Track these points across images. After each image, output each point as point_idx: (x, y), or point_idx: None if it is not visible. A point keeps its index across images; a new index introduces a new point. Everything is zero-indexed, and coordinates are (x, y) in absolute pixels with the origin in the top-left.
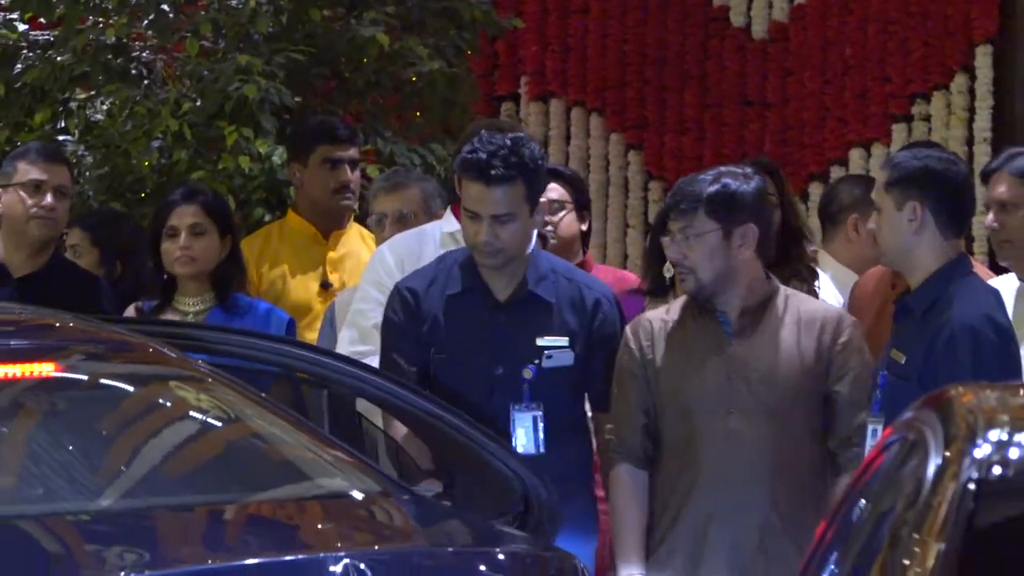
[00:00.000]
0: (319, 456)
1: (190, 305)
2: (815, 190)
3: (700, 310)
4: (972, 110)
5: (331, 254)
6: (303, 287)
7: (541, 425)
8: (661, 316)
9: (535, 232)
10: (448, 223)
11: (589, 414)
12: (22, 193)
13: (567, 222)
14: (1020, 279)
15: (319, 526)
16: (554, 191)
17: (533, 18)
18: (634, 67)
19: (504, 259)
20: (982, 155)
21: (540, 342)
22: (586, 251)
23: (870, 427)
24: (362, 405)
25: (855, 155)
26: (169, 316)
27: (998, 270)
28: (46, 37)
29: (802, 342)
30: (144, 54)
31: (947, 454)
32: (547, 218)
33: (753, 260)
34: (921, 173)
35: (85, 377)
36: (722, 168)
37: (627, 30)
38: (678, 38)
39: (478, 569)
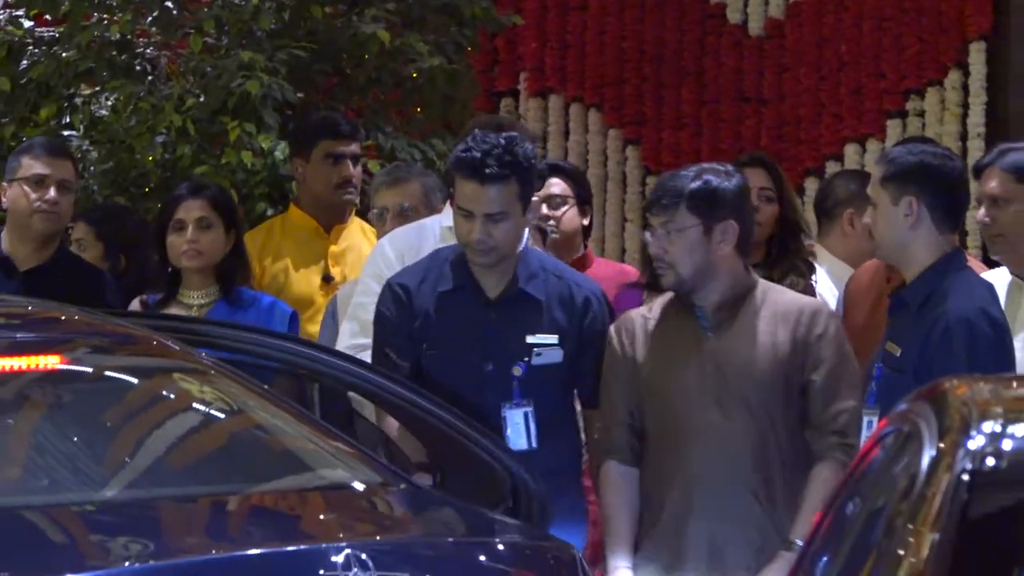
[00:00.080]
0: (321, 447)
1: (195, 298)
2: (811, 185)
3: (680, 306)
4: (966, 106)
5: (333, 248)
6: (305, 280)
7: (532, 421)
8: (643, 313)
9: (526, 230)
10: (448, 217)
11: (579, 410)
12: (26, 187)
13: (569, 217)
14: (1012, 273)
15: (321, 517)
16: (556, 186)
17: (532, 15)
18: (632, 64)
19: (497, 257)
20: (976, 150)
21: (529, 340)
22: (587, 245)
23: (865, 419)
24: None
25: (850, 150)
26: (174, 309)
27: (991, 264)
28: (51, 34)
29: (778, 334)
30: (148, 50)
31: (941, 446)
32: (549, 212)
33: (733, 256)
34: (917, 168)
35: (90, 369)
36: (704, 165)
37: (625, 27)
38: (675, 35)
39: (478, 559)
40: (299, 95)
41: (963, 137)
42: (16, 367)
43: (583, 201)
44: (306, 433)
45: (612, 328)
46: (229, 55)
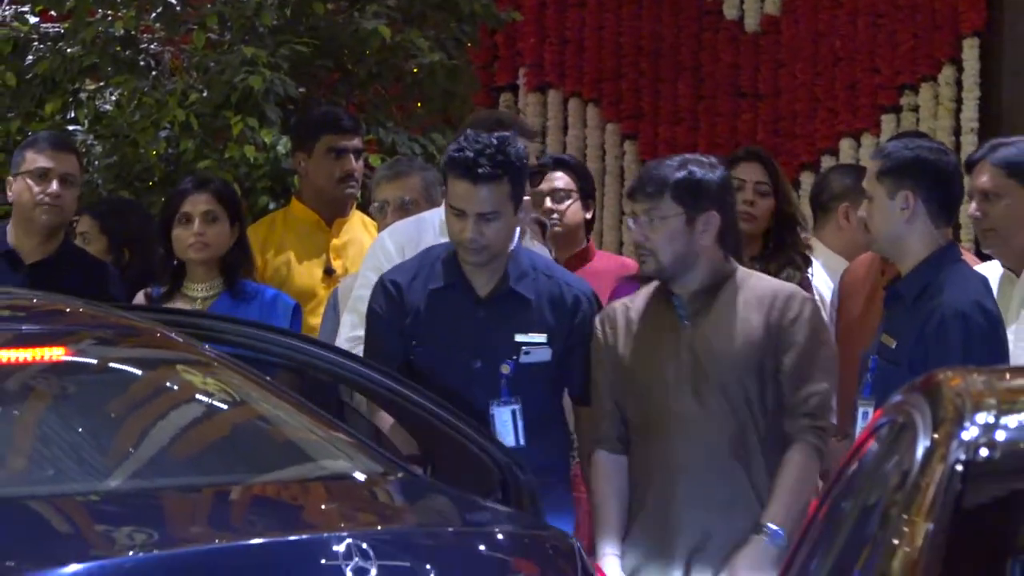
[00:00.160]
0: (322, 438)
1: (199, 291)
2: (806, 179)
3: (661, 296)
4: (959, 101)
5: (334, 241)
6: (307, 273)
7: (520, 419)
8: (626, 303)
9: (518, 229)
10: None
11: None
12: (29, 181)
13: (573, 210)
14: (1004, 266)
15: (323, 506)
16: (560, 180)
17: (531, 11)
18: (630, 59)
19: (488, 256)
20: (969, 145)
21: (518, 338)
22: (590, 239)
23: (860, 410)
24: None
25: (845, 145)
26: (178, 301)
27: (983, 257)
28: (56, 29)
29: (752, 319)
30: (152, 46)
31: (935, 436)
32: (553, 206)
33: (714, 247)
34: (913, 163)
35: (94, 361)
36: (688, 156)
37: (623, 23)
38: (673, 31)
39: (478, 548)
40: (301, 90)
41: (957, 132)
42: (22, 359)
43: (586, 195)
44: (308, 424)
45: (597, 319)
46: (232, 51)
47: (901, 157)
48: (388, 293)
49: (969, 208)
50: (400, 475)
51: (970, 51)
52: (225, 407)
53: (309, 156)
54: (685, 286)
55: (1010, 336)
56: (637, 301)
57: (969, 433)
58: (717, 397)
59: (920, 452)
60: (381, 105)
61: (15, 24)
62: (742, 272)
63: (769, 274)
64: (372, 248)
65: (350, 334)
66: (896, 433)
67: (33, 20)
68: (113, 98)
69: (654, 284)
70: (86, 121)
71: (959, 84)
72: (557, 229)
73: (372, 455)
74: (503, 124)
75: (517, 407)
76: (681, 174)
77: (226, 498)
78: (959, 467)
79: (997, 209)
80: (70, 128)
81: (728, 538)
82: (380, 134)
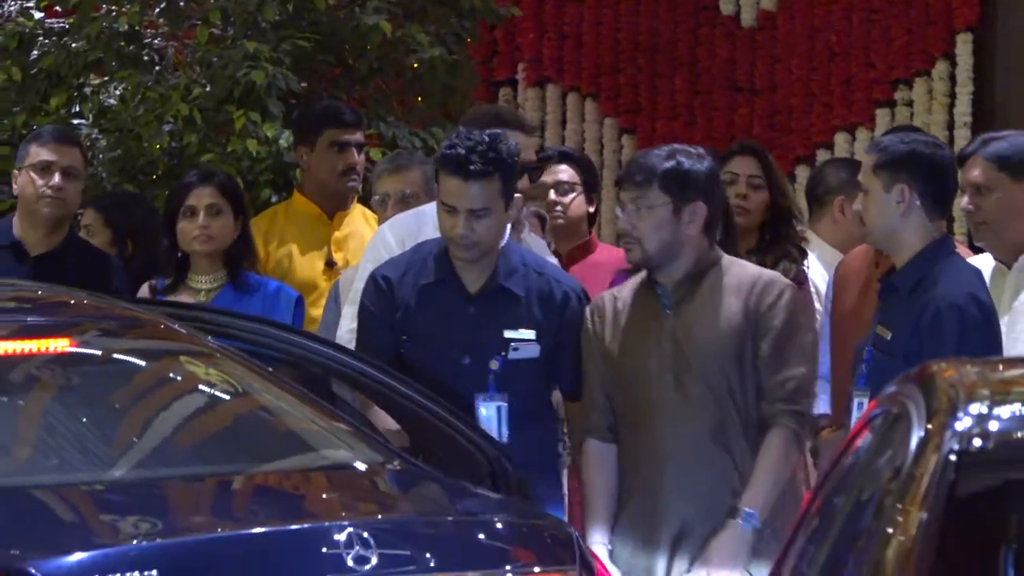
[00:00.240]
0: (324, 428)
1: (203, 283)
2: (802, 173)
3: (646, 286)
4: (953, 96)
5: (335, 234)
6: (309, 265)
7: (505, 416)
8: (614, 293)
9: (508, 226)
10: None
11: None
12: (32, 174)
13: (576, 203)
14: (996, 259)
15: (324, 496)
16: (564, 173)
17: (530, 7)
18: (627, 54)
19: (479, 252)
20: (962, 139)
21: (507, 334)
22: (591, 231)
23: (856, 400)
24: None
25: (840, 139)
26: (182, 293)
27: (976, 250)
28: (61, 24)
29: (732, 306)
30: (156, 41)
31: (929, 427)
32: (557, 198)
33: (699, 237)
34: (909, 156)
35: (98, 352)
36: (676, 146)
37: (621, 18)
38: (670, 26)
39: (477, 537)
40: (303, 85)
41: (950, 126)
42: (27, 350)
43: (590, 189)
44: (309, 414)
45: (587, 310)
46: (235, 46)
47: (897, 151)
48: (379, 288)
49: (961, 202)
50: (400, 465)
51: (963, 46)
52: (228, 398)
53: (312, 150)
54: (669, 275)
55: (1002, 328)
56: (624, 291)
57: (963, 423)
58: (699, 386)
59: (914, 442)
60: (382, 100)
61: (21, 20)
62: (726, 260)
63: (765, 267)
64: (373, 241)
65: (351, 326)
66: (890, 423)
67: (38, 16)
68: (117, 92)
69: (642, 274)
70: (90, 115)
71: (953, 79)
72: (560, 221)
73: (373, 445)
74: (502, 118)
75: (503, 404)
76: (669, 164)
77: (229, 488)
78: (953, 457)
79: (989, 203)
80: (75, 122)
81: (713, 525)
82: (381, 128)
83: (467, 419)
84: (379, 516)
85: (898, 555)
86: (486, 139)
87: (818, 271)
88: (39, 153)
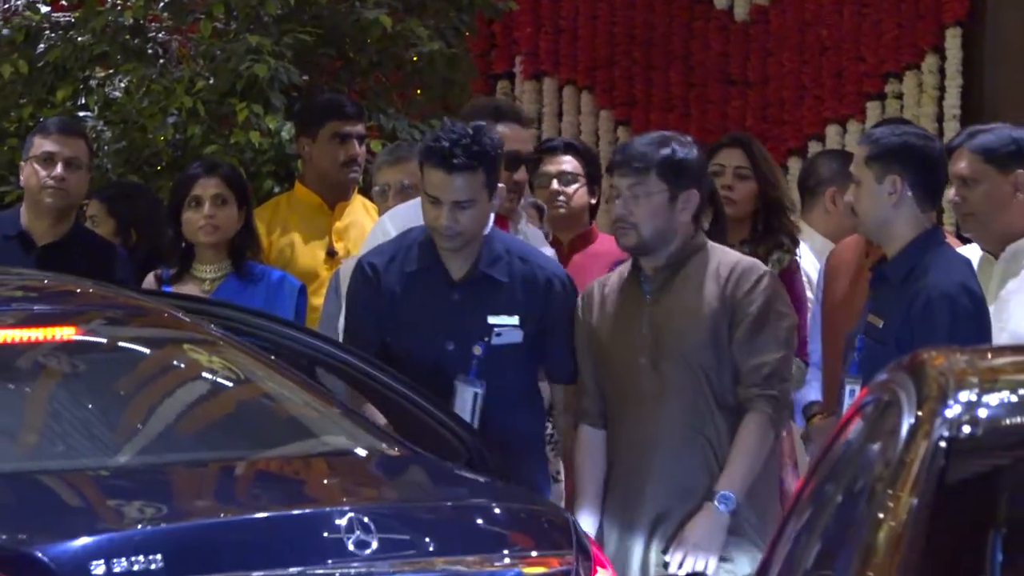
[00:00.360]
0: (324, 415)
1: (208, 272)
2: (794, 164)
3: (631, 272)
4: (942, 89)
5: (336, 224)
6: (310, 255)
7: (480, 402)
8: (603, 281)
9: (492, 215)
10: None
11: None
12: (36, 165)
13: (579, 194)
14: (983, 249)
15: (325, 481)
16: (568, 163)
17: (527, 1)
18: (623, 47)
19: (462, 242)
20: (951, 132)
21: (491, 320)
22: (592, 222)
23: (848, 387)
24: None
25: (831, 131)
26: (187, 283)
27: (965, 241)
28: (67, 18)
29: (710, 292)
30: (160, 35)
31: (920, 414)
32: (560, 188)
33: (689, 224)
34: (901, 148)
35: (104, 340)
36: (665, 133)
37: (616, 12)
38: (664, 20)
39: (475, 522)
40: (304, 78)
41: (939, 119)
42: (33, 338)
43: (593, 180)
44: (310, 401)
45: (579, 298)
46: (237, 39)
47: (889, 143)
48: (366, 275)
49: (949, 194)
50: (400, 451)
51: (953, 40)
52: (231, 385)
53: (314, 141)
54: (652, 262)
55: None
56: (612, 279)
57: (952, 411)
58: (678, 372)
59: (905, 429)
60: (382, 92)
61: (27, 13)
62: (710, 246)
63: (758, 257)
64: (373, 231)
65: None
66: (881, 410)
67: (45, 9)
68: (122, 85)
69: (629, 262)
70: (96, 108)
71: (942, 72)
72: (562, 211)
73: (373, 432)
74: (500, 111)
75: (480, 391)
76: (666, 152)
77: (232, 473)
78: (943, 443)
79: (975, 194)
80: (80, 114)
81: (691, 509)
82: (381, 120)
83: (449, 409)
84: (379, 501)
85: (889, 540)
86: (470, 132)
87: (810, 261)
88: (42, 144)
